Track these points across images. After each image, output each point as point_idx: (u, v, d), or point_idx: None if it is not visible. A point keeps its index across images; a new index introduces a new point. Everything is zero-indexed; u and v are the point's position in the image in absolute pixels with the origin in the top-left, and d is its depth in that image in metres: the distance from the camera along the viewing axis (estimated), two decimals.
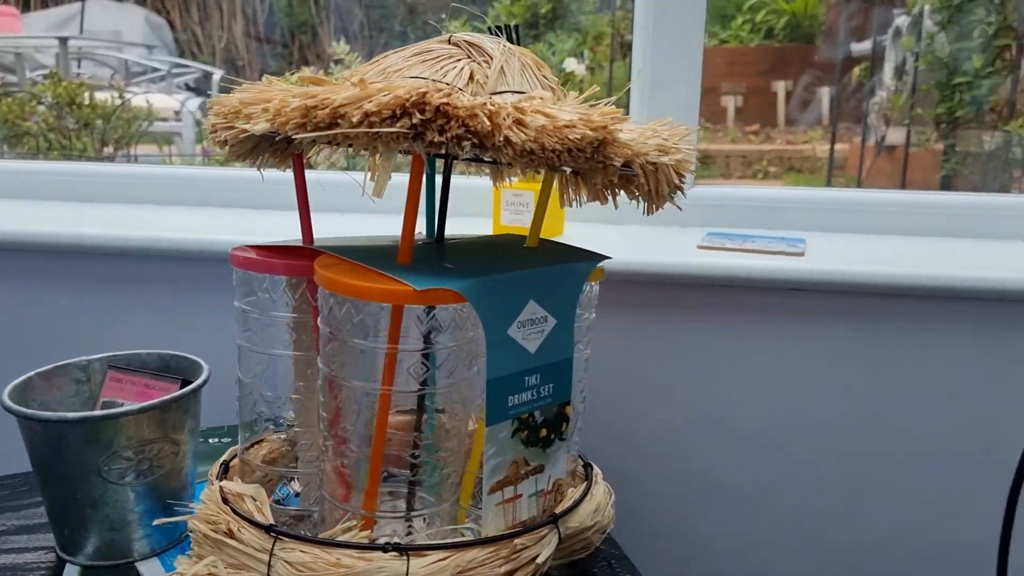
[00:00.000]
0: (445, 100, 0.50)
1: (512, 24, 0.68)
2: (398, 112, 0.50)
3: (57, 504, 0.67)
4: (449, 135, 0.50)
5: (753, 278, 0.91)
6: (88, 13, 4.41)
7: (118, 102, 2.69)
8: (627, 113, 1.06)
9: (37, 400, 0.71)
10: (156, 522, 0.67)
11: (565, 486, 0.66)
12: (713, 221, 1.10)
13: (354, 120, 0.50)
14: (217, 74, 3.99)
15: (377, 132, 0.50)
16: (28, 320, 1.06)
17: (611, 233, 1.06)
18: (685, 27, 1.04)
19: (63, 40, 3.70)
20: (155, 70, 4.07)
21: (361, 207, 1.14)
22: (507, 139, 0.51)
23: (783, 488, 0.97)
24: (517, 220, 1.01)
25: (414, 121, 0.49)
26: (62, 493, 0.66)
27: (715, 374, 0.95)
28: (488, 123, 0.50)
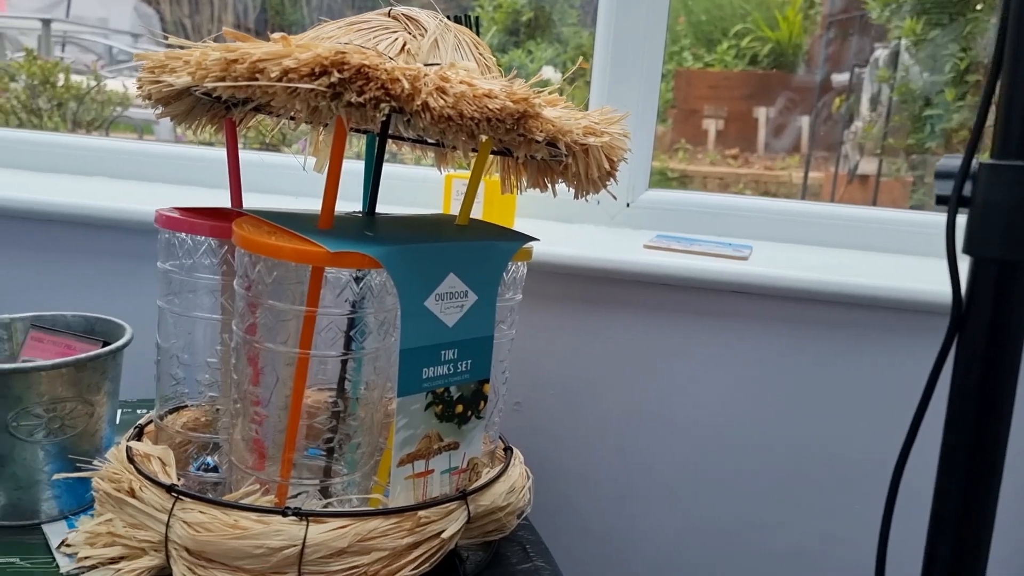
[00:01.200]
0: (365, 61, 0.50)
1: (472, 15, 0.68)
2: (317, 70, 0.49)
3: None
4: (367, 96, 0.50)
5: (695, 278, 0.91)
6: None
7: (92, 84, 2.67)
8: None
9: None
10: (56, 476, 0.66)
11: (481, 467, 0.65)
12: (667, 226, 1.10)
13: (272, 75, 0.49)
14: None
15: (295, 88, 0.49)
16: None
17: (561, 230, 1.06)
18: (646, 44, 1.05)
19: (46, 22, 3.68)
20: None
21: (314, 192, 1.14)
22: (425, 104, 0.50)
23: (715, 488, 0.97)
24: None
25: (332, 80, 0.49)
26: None
27: (654, 371, 0.95)
28: (408, 87, 0.50)
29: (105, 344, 0.71)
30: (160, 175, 1.18)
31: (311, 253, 0.53)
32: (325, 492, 0.63)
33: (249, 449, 0.60)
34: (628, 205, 1.10)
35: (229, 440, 0.62)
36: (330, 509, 0.56)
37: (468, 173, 1.01)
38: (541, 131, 0.55)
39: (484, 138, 0.60)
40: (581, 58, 0.91)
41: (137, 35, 4.35)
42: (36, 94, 2.55)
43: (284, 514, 0.54)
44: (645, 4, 1.03)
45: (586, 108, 1.10)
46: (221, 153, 1.17)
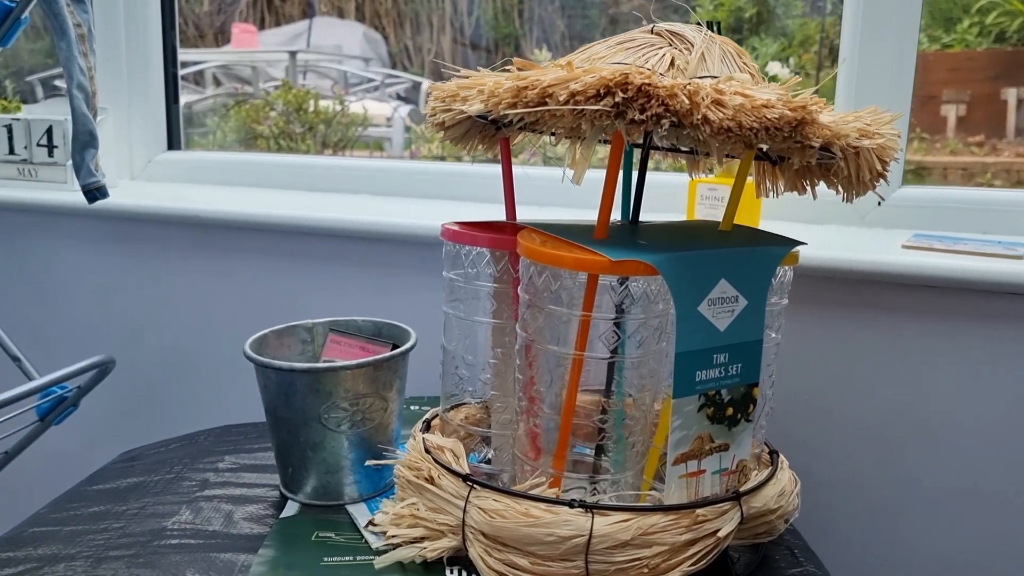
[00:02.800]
0: (647, 80, 0.52)
1: (714, 21, 0.69)
2: (602, 91, 0.53)
3: (283, 446, 0.76)
4: (649, 113, 0.53)
5: (964, 279, 0.86)
6: (314, 30, 4.82)
7: (338, 108, 2.92)
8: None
9: (270, 355, 0.80)
10: (368, 463, 0.74)
11: (749, 469, 0.66)
12: (922, 224, 1.04)
13: (561, 99, 0.54)
14: (425, 83, 4.23)
15: (582, 110, 0.53)
16: (264, 290, 1.20)
17: (810, 231, 1.04)
18: (898, 26, 1.00)
19: (292, 54, 4.07)
20: (370, 80, 4.38)
21: (559, 201, 1.19)
22: (705, 117, 0.53)
23: (990, 505, 0.91)
24: (711, 215, 1.02)
25: (616, 100, 0.53)
26: (288, 436, 0.75)
27: (917, 379, 0.91)
28: (687, 102, 0.52)
29: (394, 346, 0.79)
30: (416, 191, 1.29)
31: (595, 262, 0.57)
32: (592, 488, 0.67)
33: (529, 443, 0.65)
34: (880, 203, 1.06)
35: (513, 435, 0.67)
36: (614, 503, 0.60)
37: (712, 178, 1.02)
38: (817, 137, 0.55)
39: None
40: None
41: (368, 59, 4.71)
42: (290, 120, 2.84)
43: (571, 505, 0.58)
44: None
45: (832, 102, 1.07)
46: (471, 168, 1.26)
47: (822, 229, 1.06)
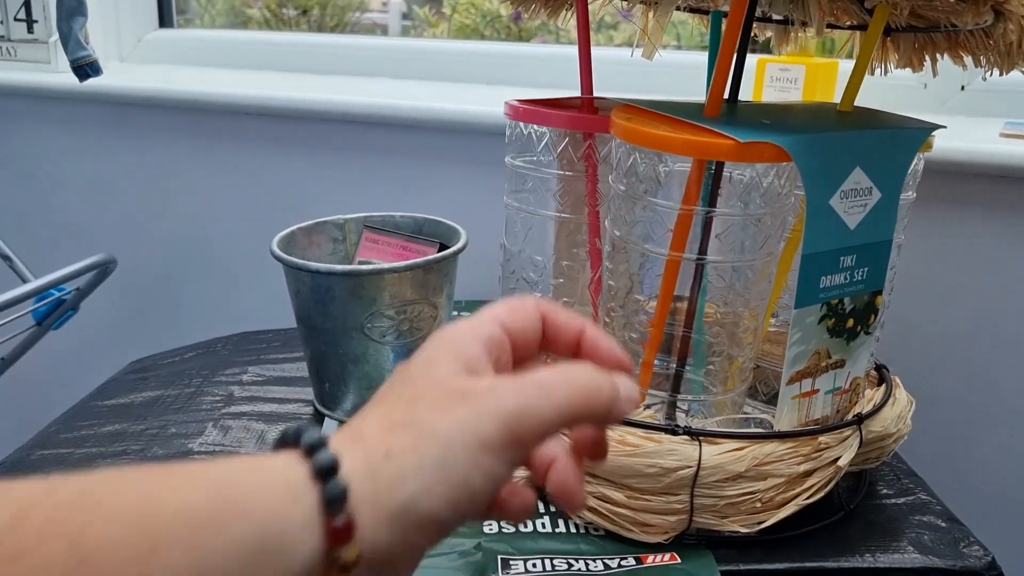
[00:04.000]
0: None
1: None
2: None
3: (319, 358, 0.67)
4: None
5: None
6: None
7: None
8: None
9: (299, 255, 0.70)
10: None
11: (861, 388, 0.58)
12: (1003, 112, 0.94)
13: None
14: None
15: None
16: (280, 182, 1.09)
17: None
18: None
19: None
20: None
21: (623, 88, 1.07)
22: None
23: None
24: (782, 99, 0.90)
25: None
26: (325, 347, 0.66)
27: (1012, 282, 0.82)
28: None
29: (442, 246, 0.69)
30: (439, 74, 1.16)
31: (720, 147, 0.46)
32: (673, 406, 0.59)
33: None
34: (963, 88, 0.95)
35: None
36: (723, 429, 0.52)
37: (784, 57, 0.90)
38: None
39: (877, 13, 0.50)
40: None
41: None
42: (283, 2, 2.65)
43: (675, 432, 0.50)
44: None
45: None
46: (491, 47, 1.13)
47: None
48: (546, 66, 1.07)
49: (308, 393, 0.72)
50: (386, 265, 0.62)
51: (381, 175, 1.04)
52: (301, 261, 0.63)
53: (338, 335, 0.65)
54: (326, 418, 0.69)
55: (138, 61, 1.29)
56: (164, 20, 1.34)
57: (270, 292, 0.82)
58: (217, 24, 2.70)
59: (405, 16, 3.69)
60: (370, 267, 0.62)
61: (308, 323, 0.66)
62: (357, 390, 0.67)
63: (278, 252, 0.65)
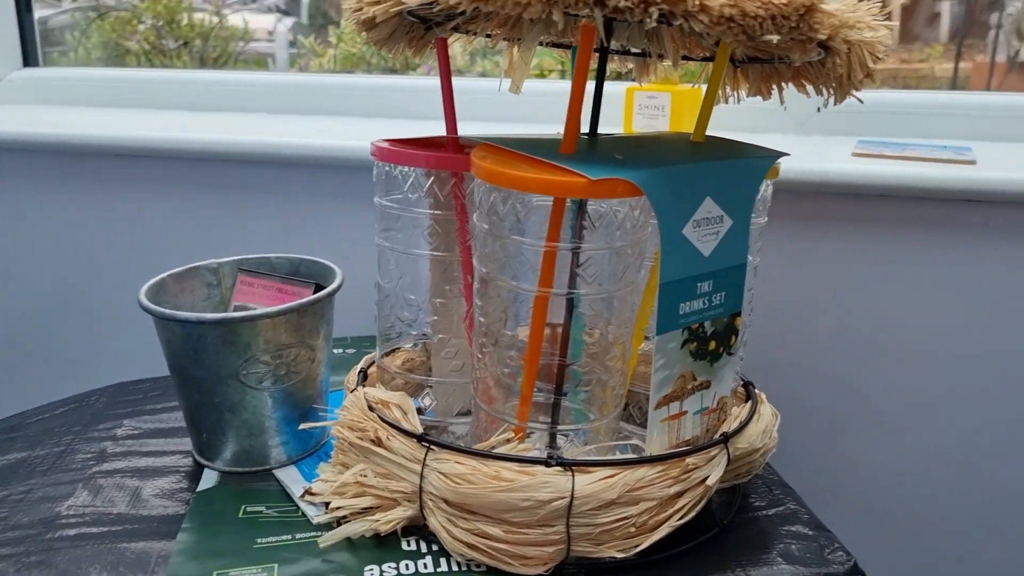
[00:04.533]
0: None
1: None
2: None
3: (195, 408, 0.66)
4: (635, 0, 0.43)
5: (920, 187, 0.82)
6: None
7: (215, 20, 2.68)
8: None
9: (170, 303, 0.69)
10: (302, 426, 0.65)
11: (728, 406, 0.60)
12: (858, 131, 1.00)
13: None
14: None
15: None
16: (153, 226, 1.05)
17: (753, 141, 0.97)
18: None
19: None
20: None
21: (483, 117, 1.08)
22: (703, 5, 0.44)
23: (940, 418, 0.89)
24: (651, 125, 0.94)
25: None
26: (200, 396, 0.64)
27: (869, 291, 0.88)
28: None
29: (317, 287, 0.68)
30: (319, 108, 1.15)
31: (572, 184, 0.48)
32: (554, 436, 0.60)
33: (498, 386, 0.57)
34: (819, 110, 1.00)
35: (474, 382, 0.58)
36: (593, 458, 0.53)
37: (650, 86, 0.93)
38: (825, 26, 0.47)
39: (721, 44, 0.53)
40: None
41: None
42: (162, 35, 2.58)
43: (548, 464, 0.51)
44: None
45: None
46: (371, 80, 1.13)
47: (760, 139, 0.99)
48: (427, 98, 1.08)
49: (187, 444, 0.70)
50: (259, 311, 0.62)
51: (261, 213, 1.02)
52: (169, 311, 0.62)
53: (213, 383, 0.63)
54: (205, 469, 0.67)
55: (1, 102, 1.24)
56: (28, 59, 1.29)
57: (150, 339, 0.80)
58: (93, 57, 2.61)
59: (292, 44, 3.65)
60: (242, 314, 0.61)
61: (181, 373, 0.65)
62: (236, 438, 0.65)
63: (145, 303, 0.63)
